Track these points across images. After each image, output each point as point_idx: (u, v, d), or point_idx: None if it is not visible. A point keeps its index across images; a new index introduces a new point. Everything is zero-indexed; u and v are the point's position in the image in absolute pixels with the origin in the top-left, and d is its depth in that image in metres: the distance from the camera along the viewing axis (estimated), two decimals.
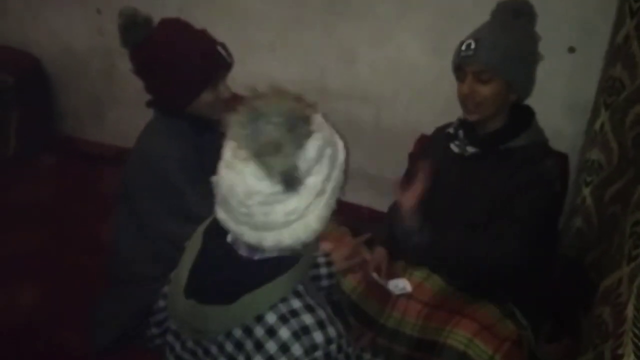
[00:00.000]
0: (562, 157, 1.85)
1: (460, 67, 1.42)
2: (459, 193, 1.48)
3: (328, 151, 0.88)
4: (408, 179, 1.71)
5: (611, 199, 1.74)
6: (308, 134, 0.84)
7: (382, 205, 1.85)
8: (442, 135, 1.57)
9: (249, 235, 0.89)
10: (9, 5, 2.84)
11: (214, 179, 0.90)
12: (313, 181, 0.87)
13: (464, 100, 1.42)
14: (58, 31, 2.79)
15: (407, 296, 1.49)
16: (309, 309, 0.90)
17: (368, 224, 1.81)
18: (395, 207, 1.72)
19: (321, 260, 1.29)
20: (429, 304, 1.45)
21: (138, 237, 1.50)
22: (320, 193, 0.88)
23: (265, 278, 0.89)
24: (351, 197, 2.45)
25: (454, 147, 1.50)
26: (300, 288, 0.93)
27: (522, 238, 1.36)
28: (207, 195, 1.11)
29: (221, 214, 0.91)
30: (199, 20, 2.37)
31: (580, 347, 1.39)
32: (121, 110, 2.85)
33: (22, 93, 2.72)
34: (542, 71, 1.92)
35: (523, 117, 1.46)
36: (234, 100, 0.88)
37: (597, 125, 1.75)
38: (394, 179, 1.51)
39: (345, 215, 1.84)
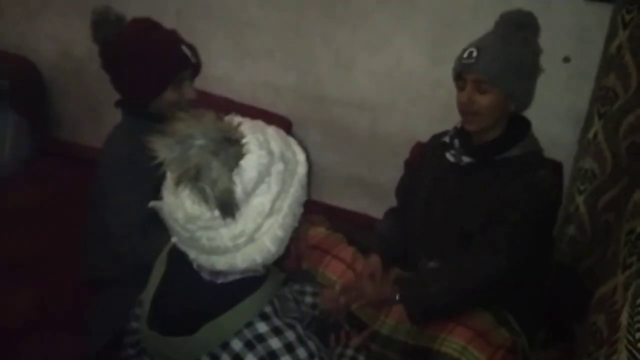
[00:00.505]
0: (557, 166, 1.87)
1: (460, 75, 1.42)
2: (454, 202, 1.49)
3: (278, 167, 0.83)
4: (402, 186, 1.72)
5: (604, 207, 1.75)
6: (238, 155, 0.79)
7: (378, 212, 1.85)
8: (438, 143, 1.58)
9: (201, 259, 0.85)
10: (6, 9, 2.84)
11: (156, 203, 0.85)
12: (259, 202, 0.82)
13: (462, 108, 1.42)
14: (55, 36, 2.78)
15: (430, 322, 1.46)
16: (276, 332, 0.86)
17: (364, 230, 1.82)
18: (389, 214, 1.74)
19: (308, 289, 1.28)
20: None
21: (103, 241, 1.50)
22: (270, 213, 0.83)
23: (228, 304, 0.85)
24: (347, 204, 2.47)
25: (449, 157, 1.50)
26: (268, 309, 0.88)
27: (511, 242, 1.36)
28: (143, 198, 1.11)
29: (174, 238, 0.87)
30: (197, 25, 2.40)
31: (574, 354, 1.40)
32: (118, 115, 2.84)
33: (18, 97, 2.71)
34: (537, 80, 1.96)
35: (519, 127, 1.46)
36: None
37: (590, 134, 1.77)
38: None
39: (341, 221, 1.86)
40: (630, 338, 0.90)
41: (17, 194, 2.39)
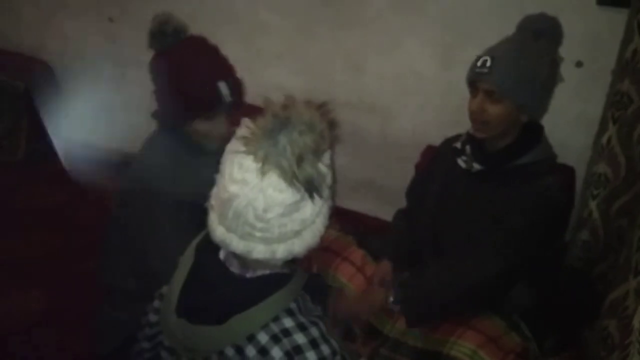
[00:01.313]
0: (569, 170, 1.86)
1: (472, 83, 1.40)
2: (464, 208, 1.48)
3: (330, 162, 0.89)
4: (413, 188, 1.72)
5: (618, 212, 1.74)
6: (330, 142, 0.85)
7: (388, 215, 1.85)
8: (450, 147, 1.56)
9: (259, 250, 0.87)
10: (23, 12, 2.88)
11: (223, 196, 0.87)
12: (325, 188, 0.88)
13: (473, 116, 1.41)
14: (70, 38, 2.82)
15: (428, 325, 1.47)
16: (302, 327, 0.89)
17: (373, 233, 1.81)
18: (399, 216, 1.73)
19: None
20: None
21: (122, 251, 1.48)
22: (325, 199, 0.89)
23: (257, 297, 0.88)
24: (357, 207, 2.46)
25: (461, 163, 1.48)
26: (293, 306, 0.92)
27: (512, 246, 1.35)
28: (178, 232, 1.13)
29: (221, 234, 0.88)
30: (208, 29, 2.40)
31: (585, 359, 1.39)
32: (131, 117, 2.87)
33: (33, 99, 2.75)
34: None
35: (532, 134, 1.43)
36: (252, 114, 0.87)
37: (604, 139, 1.75)
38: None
39: (351, 224, 1.86)
40: None
41: (31, 195, 2.42)
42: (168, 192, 1.39)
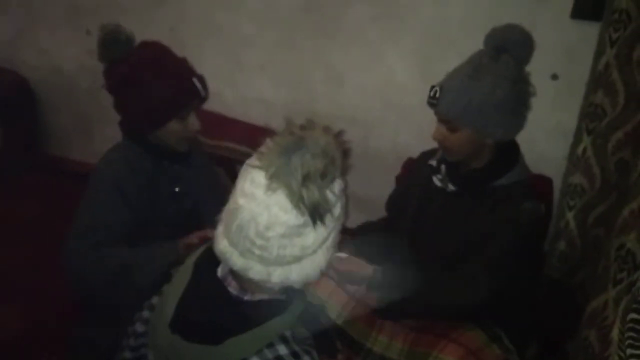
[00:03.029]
0: (546, 182, 1.89)
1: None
2: (439, 226, 1.47)
3: (342, 192, 0.89)
4: (391, 201, 1.72)
5: (594, 222, 1.77)
6: (343, 170, 0.85)
7: None
8: (426, 162, 1.54)
9: (256, 270, 0.86)
10: None
11: (231, 207, 0.87)
12: (330, 219, 0.86)
13: (437, 143, 1.41)
14: (47, 51, 2.78)
15: (394, 320, 1.48)
16: (295, 356, 0.88)
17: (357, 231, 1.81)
18: (363, 226, 1.73)
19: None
20: (416, 328, 1.45)
21: (91, 259, 1.46)
22: (330, 231, 0.87)
23: (254, 322, 0.87)
24: None
25: (436, 181, 1.47)
26: (288, 333, 0.91)
27: (491, 277, 1.34)
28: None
29: (224, 247, 0.87)
30: (190, 41, 2.41)
31: None
32: (108, 131, 2.82)
33: (9, 112, 2.70)
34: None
35: (508, 156, 1.40)
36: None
37: (579, 150, 1.79)
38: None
39: None
40: (622, 354, 0.90)
41: (6, 209, 2.37)
42: (116, 184, 1.43)
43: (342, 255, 1.47)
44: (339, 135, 0.87)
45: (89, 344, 1.51)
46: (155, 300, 1.00)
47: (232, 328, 0.86)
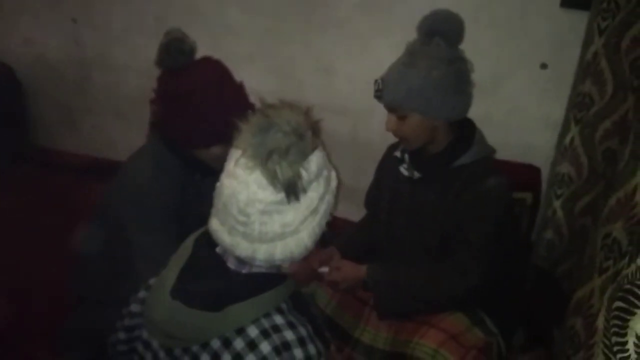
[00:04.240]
0: (535, 171, 1.90)
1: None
2: (412, 215, 1.48)
3: (325, 172, 0.91)
4: (368, 197, 1.73)
5: (581, 211, 1.78)
6: (314, 147, 0.87)
7: (357, 216, 1.85)
8: (393, 154, 1.57)
9: (243, 247, 0.89)
10: None
11: (218, 186, 0.91)
12: (310, 197, 0.89)
13: (394, 135, 1.43)
14: (32, 40, 2.74)
15: (393, 319, 1.48)
16: (291, 325, 0.91)
17: (338, 235, 1.81)
18: (362, 222, 1.74)
19: None
20: (395, 318, 1.46)
21: (106, 256, 1.44)
22: (315, 211, 0.90)
23: (251, 292, 0.90)
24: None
25: (403, 170, 1.49)
26: (284, 306, 0.94)
27: (480, 263, 1.37)
28: (166, 240, 1.10)
29: (215, 225, 0.92)
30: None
31: (553, 357, 1.41)
32: (95, 121, 2.81)
33: None
34: (515, 87, 1.97)
35: (465, 135, 1.43)
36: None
37: (567, 140, 1.79)
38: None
39: None
40: (607, 342, 0.91)
41: None
42: (161, 204, 1.38)
43: (324, 269, 1.49)
44: (308, 112, 0.90)
45: (82, 337, 1.50)
46: (152, 281, 1.02)
47: (231, 297, 0.89)
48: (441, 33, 1.34)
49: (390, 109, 1.39)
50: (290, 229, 0.89)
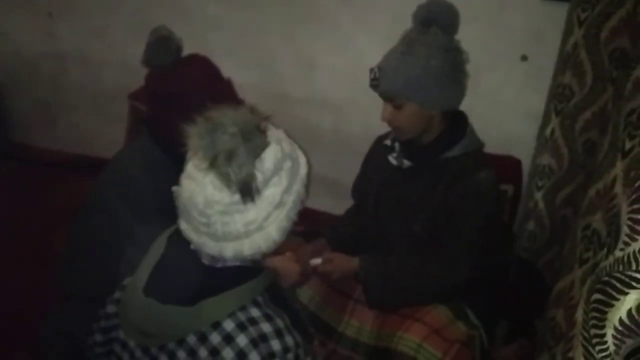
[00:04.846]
0: (516, 163, 1.90)
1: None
2: (400, 205, 1.48)
3: (287, 164, 0.90)
4: (355, 188, 1.72)
5: (562, 202, 1.79)
6: (263, 145, 0.87)
7: (340, 210, 1.84)
8: (382, 145, 1.56)
9: (210, 246, 0.90)
10: None
11: (174, 189, 0.91)
12: (271, 192, 0.88)
13: (388, 125, 1.42)
14: (7, 34, 2.68)
15: (363, 303, 1.49)
16: (268, 317, 0.91)
17: (326, 228, 1.80)
18: (347, 211, 1.73)
19: None
20: (384, 309, 1.46)
21: (90, 253, 1.44)
22: (279, 205, 0.90)
23: (227, 285, 0.90)
24: (310, 203, 2.42)
25: (392, 160, 1.48)
26: (260, 299, 0.94)
27: (471, 256, 1.38)
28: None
29: (182, 225, 0.92)
30: (155, 23, 2.34)
31: (535, 348, 1.42)
32: (73, 117, 2.76)
33: None
34: (495, 79, 1.97)
35: (457, 126, 1.43)
36: None
37: (547, 131, 1.80)
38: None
39: (303, 220, 1.84)
40: (586, 334, 0.91)
41: None
42: (150, 201, 1.34)
43: (317, 260, 1.47)
44: (254, 111, 0.90)
45: (62, 336, 1.48)
46: (127, 280, 1.02)
47: (205, 291, 0.89)
48: (438, 22, 1.33)
49: (387, 98, 1.37)
50: (254, 226, 0.88)
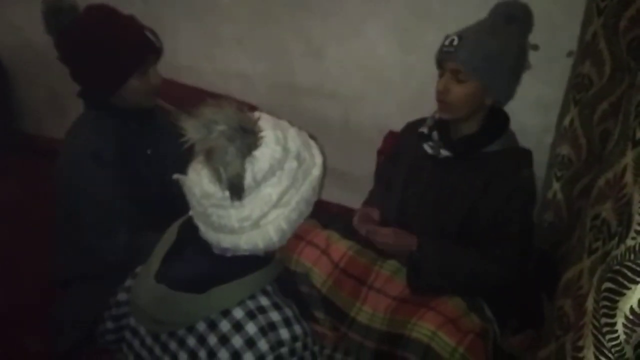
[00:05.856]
0: (526, 153, 1.88)
1: (440, 62, 1.40)
2: (429, 193, 1.48)
3: (291, 165, 0.90)
4: (380, 173, 1.71)
5: (579, 193, 1.77)
6: (253, 146, 0.86)
7: (350, 201, 1.85)
8: (414, 132, 1.55)
9: (210, 235, 0.92)
10: None
11: (178, 177, 0.92)
12: (267, 191, 0.88)
13: (438, 96, 1.40)
14: (18, 25, 2.70)
15: (377, 290, 1.48)
16: (276, 306, 0.92)
17: (337, 219, 1.80)
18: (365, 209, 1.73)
19: None
20: (398, 297, 1.46)
21: (73, 236, 1.48)
22: (277, 205, 0.89)
23: (236, 274, 0.91)
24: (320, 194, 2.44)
25: (427, 148, 1.47)
26: (269, 288, 0.95)
27: (520, 255, 1.40)
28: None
29: (191, 212, 0.95)
30: (163, 13, 2.35)
31: (543, 337, 1.41)
32: (83, 107, 2.77)
33: None
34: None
35: (498, 122, 1.43)
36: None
37: (566, 121, 1.78)
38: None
39: (314, 211, 1.84)
40: (596, 323, 0.90)
41: None
42: (101, 168, 1.41)
43: (385, 230, 1.46)
44: (250, 111, 0.90)
45: (72, 321, 1.50)
46: (139, 269, 1.03)
47: (216, 279, 0.90)
48: (519, 21, 1.37)
49: (454, 68, 1.35)
50: (248, 223, 0.89)
